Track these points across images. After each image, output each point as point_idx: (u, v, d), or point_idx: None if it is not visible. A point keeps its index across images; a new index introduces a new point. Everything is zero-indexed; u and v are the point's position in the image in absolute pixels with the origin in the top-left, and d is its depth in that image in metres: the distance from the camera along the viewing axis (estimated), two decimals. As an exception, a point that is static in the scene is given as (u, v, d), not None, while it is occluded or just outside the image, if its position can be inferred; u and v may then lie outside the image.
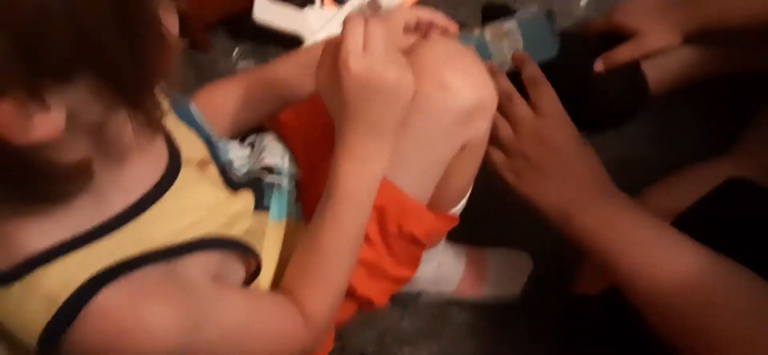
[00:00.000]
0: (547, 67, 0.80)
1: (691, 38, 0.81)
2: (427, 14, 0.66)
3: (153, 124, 0.39)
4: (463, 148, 0.58)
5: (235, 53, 0.99)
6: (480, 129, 0.58)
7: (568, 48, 0.87)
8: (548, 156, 0.67)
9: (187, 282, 0.44)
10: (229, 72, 0.97)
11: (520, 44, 0.74)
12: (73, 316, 0.38)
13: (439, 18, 0.66)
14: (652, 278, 0.58)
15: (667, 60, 0.86)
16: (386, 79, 0.50)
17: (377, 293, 0.62)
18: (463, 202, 0.67)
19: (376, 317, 0.90)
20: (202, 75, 0.97)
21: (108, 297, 0.39)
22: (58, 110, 0.34)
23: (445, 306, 0.90)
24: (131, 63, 0.36)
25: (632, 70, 0.86)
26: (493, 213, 0.92)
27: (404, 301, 0.90)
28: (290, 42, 0.93)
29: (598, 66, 0.84)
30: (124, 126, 0.40)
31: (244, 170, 0.60)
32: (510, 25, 0.75)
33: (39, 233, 0.39)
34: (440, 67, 0.54)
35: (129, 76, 0.36)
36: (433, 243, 0.74)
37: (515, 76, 0.72)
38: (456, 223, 0.67)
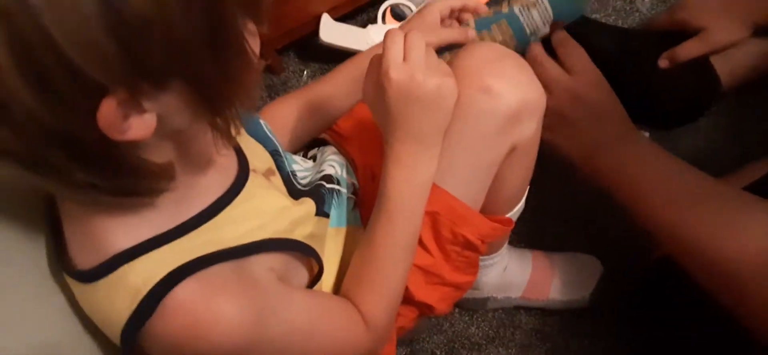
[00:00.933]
0: (612, 66, 0.80)
1: (760, 30, 0.78)
2: (457, 1, 0.69)
3: (231, 136, 0.42)
4: (512, 150, 0.59)
5: (304, 74, 1.04)
6: (528, 130, 0.58)
7: (632, 47, 0.86)
8: (583, 111, 0.71)
9: (256, 280, 0.47)
10: (299, 92, 1.03)
11: (549, 10, 0.74)
12: (153, 308, 0.41)
13: (469, 2, 0.69)
14: (671, 211, 0.61)
15: (737, 54, 0.82)
16: (427, 87, 0.51)
17: (437, 299, 0.63)
18: (520, 205, 0.68)
19: (445, 324, 0.91)
20: (275, 95, 1.03)
21: (184, 291, 0.42)
22: (151, 114, 0.37)
23: (513, 312, 0.90)
24: (218, 76, 0.38)
25: (701, 66, 0.83)
26: (558, 216, 0.91)
27: (472, 307, 0.90)
28: (355, 60, 0.97)
29: (663, 63, 0.82)
30: (205, 135, 0.43)
31: (306, 181, 0.63)
32: None
33: (125, 232, 0.42)
34: (482, 71, 0.55)
35: (215, 89, 0.39)
36: (491, 248, 0.75)
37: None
38: (511, 226, 0.68)
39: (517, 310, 0.90)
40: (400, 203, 0.55)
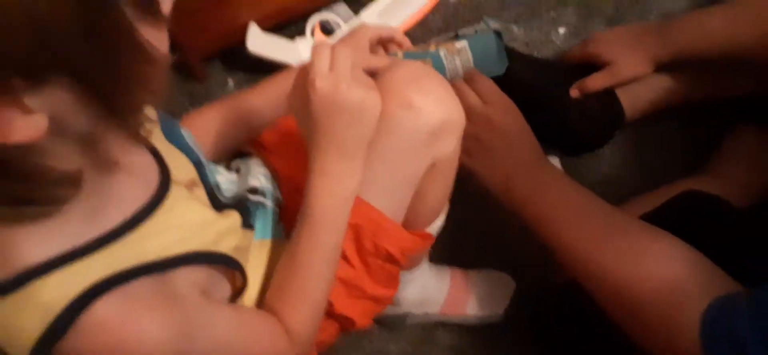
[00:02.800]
0: (527, 94, 0.85)
1: (662, 67, 0.85)
2: (386, 31, 0.71)
3: (139, 136, 0.41)
4: (433, 166, 0.60)
5: (229, 83, 1.02)
6: (448, 147, 0.60)
7: (546, 76, 0.92)
8: (496, 136, 0.76)
9: (179, 295, 0.46)
10: (223, 101, 1.01)
11: (470, 61, 0.79)
12: (67, 326, 0.39)
13: (399, 36, 0.72)
14: (575, 238, 0.65)
15: (640, 87, 0.89)
16: (351, 98, 0.52)
17: (359, 313, 0.63)
18: (440, 221, 0.69)
19: (364, 340, 0.91)
20: (198, 104, 0.99)
21: (103, 308, 0.40)
22: (40, 114, 0.35)
23: (431, 329, 0.91)
24: (105, 71, 0.36)
25: (607, 96, 0.90)
26: (475, 235, 0.94)
27: (391, 323, 0.91)
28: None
29: (574, 92, 0.88)
30: (115, 138, 0.41)
31: (230, 194, 0.62)
32: (461, 44, 0.80)
33: (36, 245, 0.40)
34: (406, 87, 0.56)
35: (108, 86, 0.37)
36: (411, 262, 0.76)
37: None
38: (431, 241, 0.69)
39: (435, 327, 0.91)
40: (323, 214, 0.55)
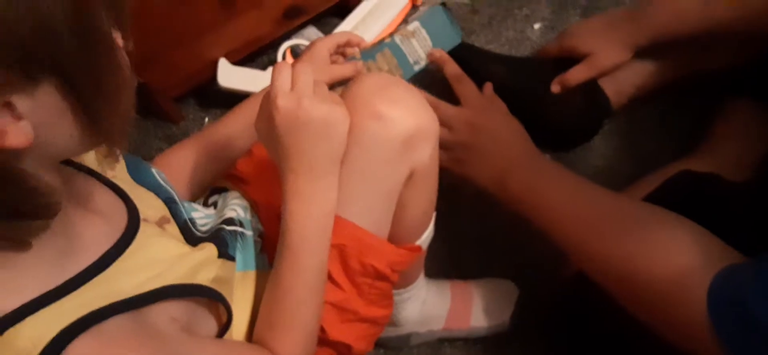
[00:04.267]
0: (507, 94, 0.83)
1: (642, 51, 0.84)
2: (343, 37, 0.71)
3: (114, 155, 0.41)
4: (411, 176, 0.59)
5: (205, 121, 1.00)
6: (424, 155, 0.58)
7: (524, 74, 0.90)
8: (482, 138, 0.76)
9: (158, 331, 0.45)
10: (201, 140, 0.99)
11: (428, 40, 0.81)
12: None
13: (353, 37, 0.72)
14: (581, 229, 0.64)
15: (624, 73, 0.88)
16: (315, 114, 0.51)
17: (355, 337, 0.61)
18: (428, 231, 0.68)
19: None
20: (175, 146, 0.98)
21: (80, 348, 0.39)
22: (27, 122, 0.35)
23: (437, 346, 0.89)
24: (93, 80, 0.37)
25: (591, 88, 0.88)
26: (472, 244, 0.92)
27: (395, 345, 0.88)
28: (258, 103, 0.95)
29: (555, 88, 0.86)
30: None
31: (207, 228, 0.60)
32: (413, 25, 0.81)
33: (9, 293, 0.39)
34: (373, 98, 0.55)
35: (92, 94, 0.38)
36: (405, 278, 0.74)
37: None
38: (420, 253, 0.67)
39: (441, 343, 0.89)
40: (302, 238, 0.53)
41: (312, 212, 0.53)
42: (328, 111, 0.52)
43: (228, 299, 0.53)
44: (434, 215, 0.68)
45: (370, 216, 0.58)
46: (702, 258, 0.54)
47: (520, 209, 0.72)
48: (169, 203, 0.57)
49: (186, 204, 0.60)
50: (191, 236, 0.56)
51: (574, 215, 0.65)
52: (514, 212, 0.73)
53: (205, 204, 0.67)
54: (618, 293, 0.61)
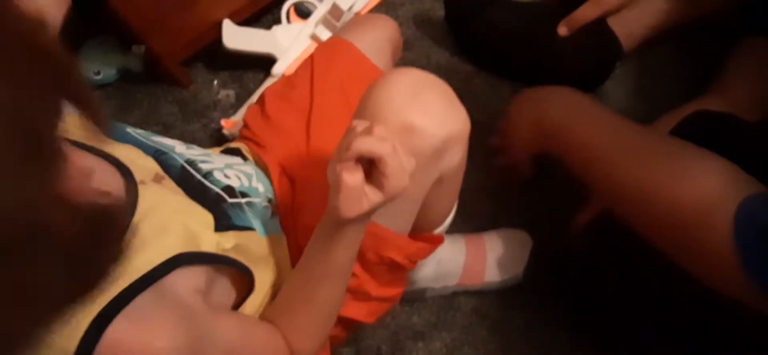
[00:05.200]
0: (515, 41, 0.81)
1: (651, -11, 0.81)
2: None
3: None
4: (439, 180, 0.56)
5: (215, 84, 1.00)
6: (454, 160, 0.56)
7: (531, 19, 0.88)
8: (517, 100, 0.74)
9: (179, 302, 0.45)
10: (211, 104, 0.99)
11: None
12: None
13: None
14: (600, 152, 0.64)
15: (634, 14, 0.86)
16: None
17: (364, 314, 0.62)
18: (449, 219, 0.67)
19: (387, 318, 0.90)
20: (187, 109, 0.99)
21: (113, 335, 0.40)
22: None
23: (452, 296, 0.90)
24: None
25: (599, 30, 0.86)
26: (486, 196, 0.92)
27: (411, 299, 0.90)
28: (265, 63, 0.95)
29: (562, 31, 0.84)
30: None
31: (209, 167, 0.60)
32: None
33: None
34: (405, 108, 0.51)
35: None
36: (417, 261, 0.75)
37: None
38: (440, 243, 0.66)
39: (456, 294, 0.90)
40: (337, 261, 0.52)
41: (354, 240, 0.51)
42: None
43: (248, 265, 0.53)
44: (456, 203, 0.67)
45: (395, 219, 0.57)
46: (728, 185, 0.54)
47: (552, 145, 0.71)
48: (158, 155, 0.56)
49: (178, 148, 0.59)
50: (190, 183, 0.55)
51: (605, 143, 0.65)
52: (546, 150, 0.73)
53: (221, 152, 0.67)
54: (644, 222, 0.61)
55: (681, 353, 0.74)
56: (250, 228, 0.58)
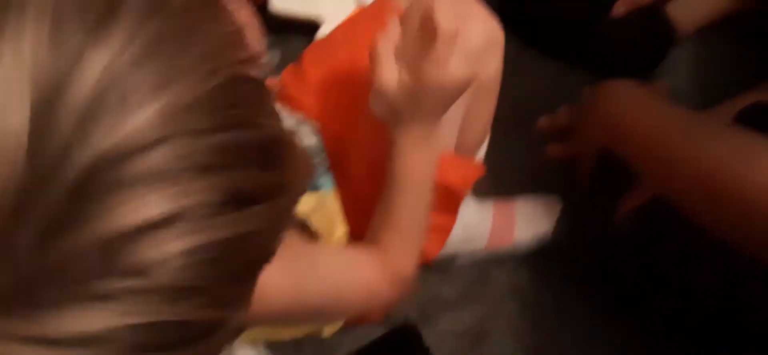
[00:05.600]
0: (548, 18, 0.79)
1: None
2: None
3: None
4: (477, 88, 0.59)
5: (261, 45, 1.01)
6: (491, 68, 0.60)
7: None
8: (584, 129, 0.73)
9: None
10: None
11: None
12: None
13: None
14: (661, 137, 0.64)
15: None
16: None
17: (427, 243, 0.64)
18: (484, 148, 0.69)
19: (416, 286, 0.92)
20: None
21: None
22: None
23: (483, 268, 0.91)
24: None
25: (654, 13, 0.83)
26: (514, 164, 0.91)
27: (441, 267, 0.91)
28: (310, 28, 0.95)
29: (619, 9, 0.81)
30: None
31: None
32: None
33: None
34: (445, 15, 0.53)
35: None
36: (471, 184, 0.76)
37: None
38: (482, 173, 0.69)
39: (487, 265, 0.90)
40: (417, 178, 0.55)
41: (430, 154, 0.55)
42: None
43: (328, 226, 0.57)
44: (489, 134, 0.70)
45: (444, 131, 0.59)
46: None
47: (616, 140, 0.70)
48: None
49: None
50: None
51: (666, 127, 0.65)
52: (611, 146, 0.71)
53: None
54: (702, 204, 0.61)
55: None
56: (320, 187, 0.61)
